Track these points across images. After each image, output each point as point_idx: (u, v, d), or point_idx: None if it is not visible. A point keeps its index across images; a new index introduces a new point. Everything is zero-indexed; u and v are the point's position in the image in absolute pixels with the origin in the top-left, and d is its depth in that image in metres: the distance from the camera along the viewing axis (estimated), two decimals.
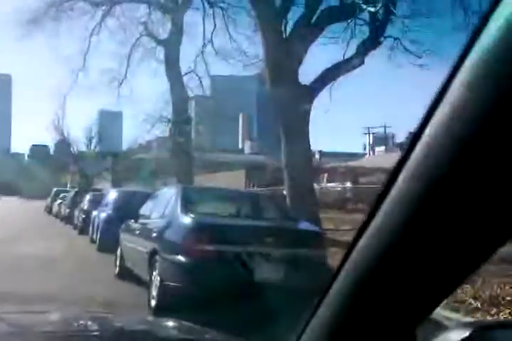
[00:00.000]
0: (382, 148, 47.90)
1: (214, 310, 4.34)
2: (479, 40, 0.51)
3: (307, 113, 12.66)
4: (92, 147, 50.17)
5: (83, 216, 16.36)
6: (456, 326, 0.77)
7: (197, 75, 23.67)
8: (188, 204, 6.32)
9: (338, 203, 20.56)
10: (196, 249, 5.44)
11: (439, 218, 0.58)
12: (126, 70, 23.79)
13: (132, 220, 7.72)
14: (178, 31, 22.31)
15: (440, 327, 0.81)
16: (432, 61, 14.15)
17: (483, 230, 0.57)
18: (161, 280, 5.60)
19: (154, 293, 5.70)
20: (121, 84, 24.14)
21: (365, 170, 24.43)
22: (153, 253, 6.06)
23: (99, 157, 48.51)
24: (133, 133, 73.14)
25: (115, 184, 37.30)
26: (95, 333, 1.71)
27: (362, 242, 0.69)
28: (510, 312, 5.36)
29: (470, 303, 5.65)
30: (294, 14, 13.58)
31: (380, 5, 12.61)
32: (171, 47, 22.50)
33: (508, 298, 5.77)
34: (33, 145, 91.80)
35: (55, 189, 33.46)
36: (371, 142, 50.91)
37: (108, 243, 9.79)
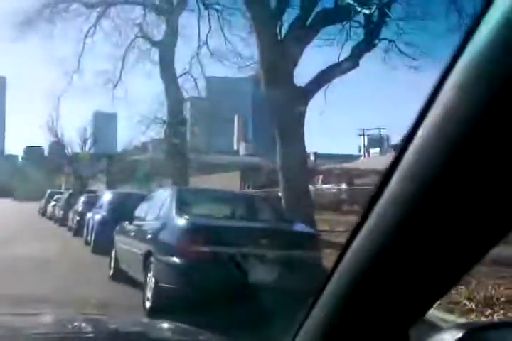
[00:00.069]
0: (377, 149, 48.04)
1: (209, 311, 4.34)
2: (471, 42, 0.51)
3: (302, 115, 12.67)
4: (87, 148, 50.07)
5: (77, 218, 16.31)
6: (450, 327, 0.78)
7: (192, 77, 23.66)
8: (183, 205, 6.31)
9: (333, 205, 20.59)
10: (191, 250, 5.44)
11: (432, 219, 0.58)
12: (121, 72, 23.75)
13: (127, 222, 7.70)
14: (173, 33, 22.29)
15: (435, 329, 0.81)
16: (427, 63, 14.21)
17: (476, 231, 0.57)
18: (156, 282, 5.59)
19: (149, 294, 5.69)
20: (116, 85, 24.10)
21: (360, 172, 24.48)
22: (147, 254, 6.05)
23: (93, 158, 48.38)
24: (128, 134, 72.92)
25: (110, 186, 37.18)
26: (89, 335, 1.71)
27: (355, 243, 0.69)
28: (504, 313, 5.38)
29: (465, 304, 5.67)
30: (289, 16, 13.64)
31: (374, 7, 12.66)
32: (166, 48, 22.47)
33: (503, 299, 5.79)
34: (27, 146, 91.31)
35: (49, 191, 33.32)
36: (366, 144, 51.06)
37: (102, 245, 9.75)
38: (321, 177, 25.64)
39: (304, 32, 12.98)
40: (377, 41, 13.79)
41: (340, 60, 13.77)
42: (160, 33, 23.00)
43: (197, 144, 33.43)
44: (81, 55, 23.74)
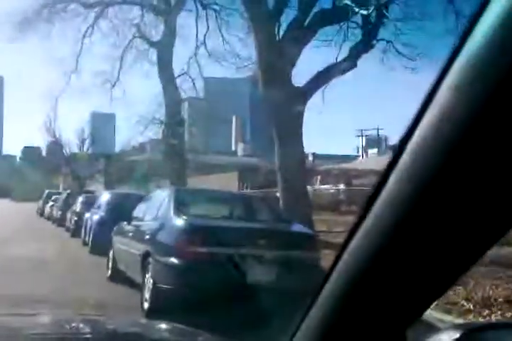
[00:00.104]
0: (375, 150, 48.09)
1: (207, 312, 4.34)
2: (468, 43, 0.51)
3: (300, 115, 12.68)
4: (85, 149, 50.01)
5: (75, 218, 16.29)
6: (447, 328, 0.78)
7: (190, 77, 23.64)
8: (181, 206, 6.31)
9: (332, 205, 20.59)
10: (189, 250, 5.44)
11: (429, 219, 0.58)
12: (119, 72, 23.71)
13: (125, 222, 7.69)
14: (171, 33, 22.27)
15: (432, 329, 0.81)
16: (425, 64, 14.23)
17: (473, 232, 0.57)
18: (154, 283, 5.58)
19: (147, 295, 5.68)
20: (113, 86, 24.06)
21: (358, 172, 24.51)
22: (146, 255, 6.04)
23: (91, 159, 48.32)
24: (126, 135, 73.06)
25: (108, 186, 37.14)
26: (87, 336, 1.70)
27: (353, 244, 0.69)
28: (502, 314, 5.39)
29: (462, 305, 5.67)
30: (287, 17, 13.65)
31: (372, 8, 12.67)
32: (164, 49, 22.45)
33: (501, 300, 5.80)
34: (25, 147, 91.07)
35: (47, 191, 33.25)
36: (364, 144, 51.14)
37: (100, 245, 9.75)
38: (319, 177, 25.65)
39: (302, 32, 12.98)
40: (375, 42, 13.81)
41: (338, 60, 13.80)
42: (158, 33, 23.00)
43: (195, 145, 33.40)
44: (79, 55, 23.72)
